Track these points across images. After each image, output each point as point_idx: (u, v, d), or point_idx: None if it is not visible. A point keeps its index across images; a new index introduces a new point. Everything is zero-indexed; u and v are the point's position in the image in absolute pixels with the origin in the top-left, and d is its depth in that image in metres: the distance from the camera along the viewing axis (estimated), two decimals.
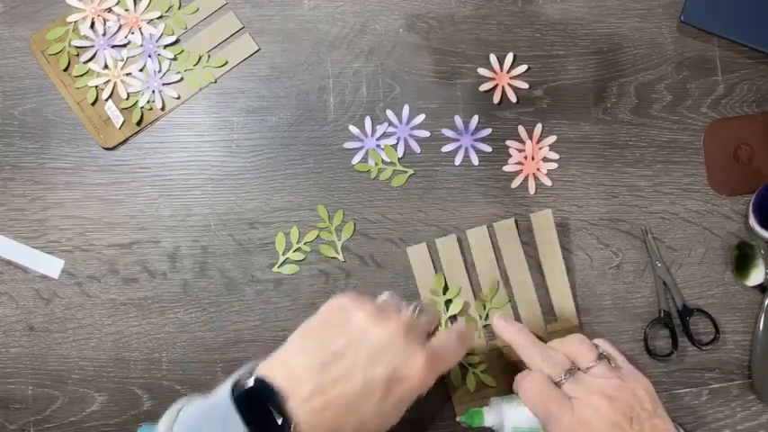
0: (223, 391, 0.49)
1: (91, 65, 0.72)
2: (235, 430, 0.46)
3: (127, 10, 0.72)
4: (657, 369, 0.69)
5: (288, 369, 0.50)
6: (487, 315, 0.68)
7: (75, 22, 0.72)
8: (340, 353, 0.51)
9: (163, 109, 0.72)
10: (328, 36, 0.73)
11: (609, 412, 0.53)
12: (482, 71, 0.72)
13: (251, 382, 0.49)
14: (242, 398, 0.48)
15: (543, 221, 0.68)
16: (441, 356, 0.54)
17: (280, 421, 0.47)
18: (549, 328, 0.68)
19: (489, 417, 0.63)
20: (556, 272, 0.68)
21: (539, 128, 0.71)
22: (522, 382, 0.57)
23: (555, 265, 0.68)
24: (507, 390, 0.67)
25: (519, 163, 0.71)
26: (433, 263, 0.69)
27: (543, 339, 0.68)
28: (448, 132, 0.71)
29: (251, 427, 0.46)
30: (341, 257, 0.70)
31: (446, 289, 0.69)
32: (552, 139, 0.71)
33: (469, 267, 0.69)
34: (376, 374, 0.50)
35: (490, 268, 0.69)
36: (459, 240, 0.69)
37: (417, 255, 0.69)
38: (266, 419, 0.47)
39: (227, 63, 0.72)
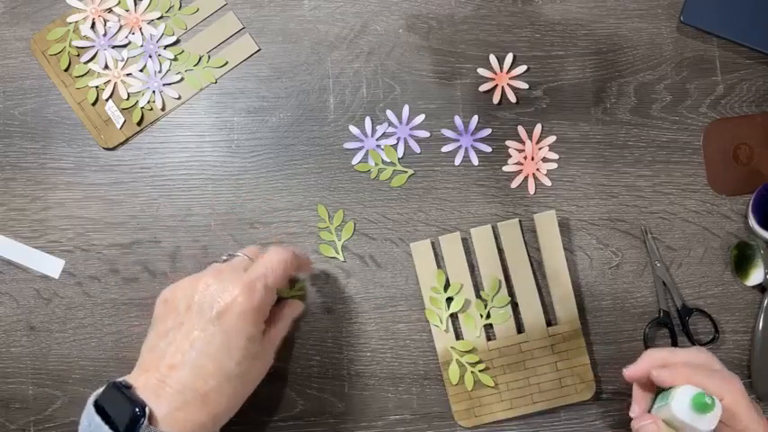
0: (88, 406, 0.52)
1: (91, 65, 0.72)
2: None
3: (127, 10, 0.72)
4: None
5: (138, 366, 0.55)
6: (488, 314, 0.68)
7: (76, 22, 0.72)
8: (165, 333, 0.55)
9: (163, 109, 0.72)
10: (328, 36, 0.73)
11: None
12: (482, 71, 0.72)
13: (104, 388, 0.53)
14: (98, 402, 0.52)
15: (547, 222, 0.69)
16: (258, 273, 0.56)
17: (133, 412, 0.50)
18: (551, 330, 0.68)
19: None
20: (558, 273, 0.68)
21: (538, 128, 0.71)
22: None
23: (557, 267, 0.68)
24: (506, 390, 0.67)
25: (519, 163, 0.71)
26: (436, 260, 0.69)
27: (544, 340, 0.68)
28: (448, 132, 0.71)
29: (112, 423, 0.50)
30: (341, 257, 0.70)
31: (447, 286, 0.69)
32: (552, 139, 0.71)
33: (472, 265, 0.69)
34: (197, 327, 0.53)
35: (492, 267, 0.69)
36: (463, 239, 0.69)
37: (420, 251, 0.69)
38: (123, 412, 0.50)
39: (227, 63, 0.72)
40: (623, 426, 0.68)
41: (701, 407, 0.53)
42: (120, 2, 0.72)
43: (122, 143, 0.72)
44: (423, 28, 0.73)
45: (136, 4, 0.73)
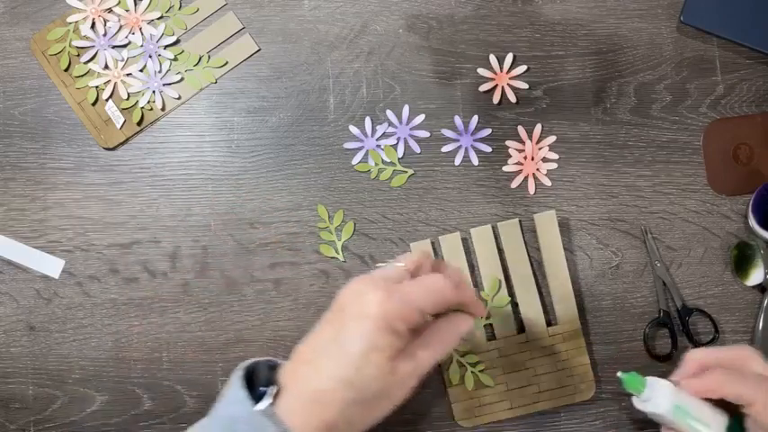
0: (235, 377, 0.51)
1: (91, 65, 0.72)
2: (235, 395, 0.49)
3: (127, 10, 0.72)
4: (657, 369, 0.69)
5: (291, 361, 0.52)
6: (488, 314, 0.68)
7: (76, 22, 0.72)
8: (323, 324, 0.52)
9: (163, 109, 0.72)
10: (328, 36, 0.73)
11: None
12: (482, 71, 0.72)
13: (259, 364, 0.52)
14: (244, 371, 0.51)
15: (547, 222, 0.69)
16: (404, 290, 0.50)
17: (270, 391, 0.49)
18: (551, 330, 0.68)
19: (649, 390, 0.57)
20: (558, 273, 0.68)
21: (538, 128, 0.71)
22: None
23: (557, 267, 0.68)
24: (506, 390, 0.68)
25: (519, 163, 0.71)
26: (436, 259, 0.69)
27: (544, 340, 0.68)
28: (448, 132, 0.71)
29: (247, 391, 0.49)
30: (341, 257, 0.70)
31: None
32: (552, 139, 0.71)
33: (472, 265, 0.69)
34: (341, 324, 0.50)
35: (493, 267, 0.69)
36: (463, 239, 0.69)
37: (420, 250, 0.69)
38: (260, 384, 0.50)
39: (227, 63, 0.72)
40: (623, 426, 0.69)
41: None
42: (120, 2, 0.72)
43: (122, 143, 0.72)
44: (423, 28, 0.73)
45: (136, 4, 0.73)
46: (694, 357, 0.58)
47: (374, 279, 0.51)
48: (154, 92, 0.72)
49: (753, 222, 0.68)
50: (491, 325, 0.68)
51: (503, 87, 0.72)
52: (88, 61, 0.72)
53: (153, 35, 0.72)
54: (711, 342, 0.69)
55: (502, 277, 0.69)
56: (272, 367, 0.52)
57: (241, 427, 0.47)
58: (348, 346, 0.48)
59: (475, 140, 0.71)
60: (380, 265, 0.57)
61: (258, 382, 0.51)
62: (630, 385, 0.57)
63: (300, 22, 0.73)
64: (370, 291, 0.49)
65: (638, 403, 0.58)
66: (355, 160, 0.71)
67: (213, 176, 0.71)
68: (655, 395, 0.57)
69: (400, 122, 0.72)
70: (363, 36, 0.73)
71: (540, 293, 0.69)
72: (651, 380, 0.58)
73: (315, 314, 0.69)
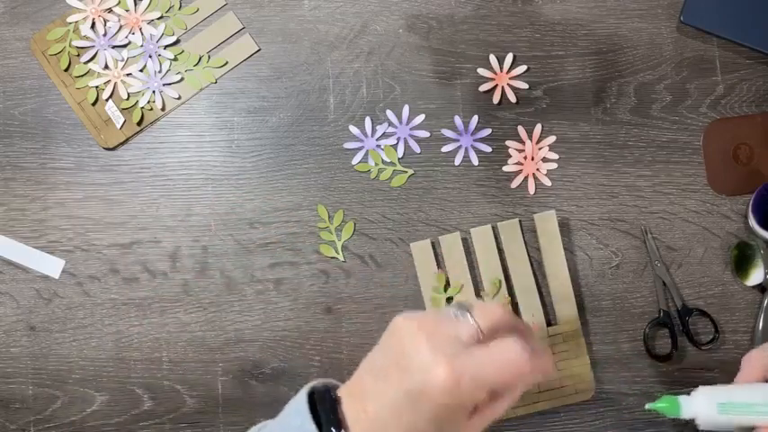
0: (298, 402, 0.48)
1: (91, 65, 0.72)
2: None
3: (127, 10, 0.72)
4: (657, 369, 0.69)
5: (350, 386, 0.48)
6: None
7: (76, 22, 0.72)
8: (379, 370, 0.47)
9: (163, 109, 0.72)
10: (328, 36, 0.73)
11: None
12: (482, 71, 0.72)
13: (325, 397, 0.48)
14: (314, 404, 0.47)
15: (547, 222, 0.69)
16: (475, 367, 0.44)
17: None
18: (551, 330, 0.68)
19: (687, 406, 0.54)
20: (558, 273, 0.68)
21: (538, 128, 0.71)
22: None
23: (557, 267, 0.68)
24: None
25: (519, 163, 0.71)
26: (436, 260, 0.69)
27: (544, 340, 0.68)
28: (448, 132, 0.71)
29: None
30: (341, 257, 0.70)
31: (447, 286, 0.69)
32: (552, 139, 0.71)
33: (472, 265, 0.69)
34: (398, 389, 0.45)
35: (493, 267, 0.69)
36: (463, 239, 0.69)
37: (420, 251, 0.69)
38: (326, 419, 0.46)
39: (227, 63, 0.72)
40: (623, 426, 0.69)
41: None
42: (120, 2, 0.72)
43: (122, 143, 0.72)
44: (423, 28, 0.73)
45: (136, 4, 0.73)
46: (753, 363, 0.55)
47: (440, 339, 0.45)
48: (154, 92, 0.72)
49: (753, 222, 0.68)
50: None
51: (503, 87, 0.72)
52: (88, 61, 0.72)
53: (153, 35, 0.72)
54: (712, 342, 0.69)
55: (502, 277, 0.69)
56: (331, 397, 0.48)
57: None
58: (411, 422, 0.45)
59: (475, 140, 0.71)
60: (454, 312, 0.47)
61: (321, 406, 0.47)
62: (668, 411, 0.54)
63: (300, 22, 0.73)
64: (439, 365, 0.43)
65: (699, 423, 0.54)
66: (355, 160, 0.71)
67: (213, 176, 0.71)
68: (695, 408, 0.53)
69: (400, 122, 0.72)
70: (363, 36, 0.73)
71: (540, 293, 0.69)
72: (683, 398, 0.54)
73: (315, 314, 0.69)
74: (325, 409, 0.47)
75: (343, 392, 0.48)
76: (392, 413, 0.45)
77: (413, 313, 0.47)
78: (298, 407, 0.47)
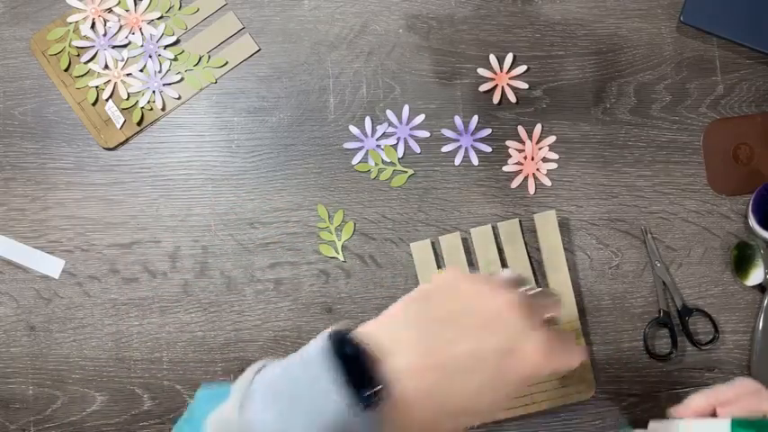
0: (314, 349, 0.42)
1: (91, 65, 0.72)
2: (326, 391, 0.40)
3: (127, 10, 0.72)
4: (657, 369, 0.69)
5: (389, 331, 0.44)
6: None
7: (76, 22, 0.72)
8: (448, 318, 0.45)
9: (163, 109, 0.72)
10: (328, 36, 0.73)
11: None
12: (482, 71, 0.72)
13: (348, 341, 0.43)
14: (336, 357, 0.41)
15: (547, 222, 0.69)
16: (557, 348, 0.45)
17: (375, 387, 0.41)
18: None
19: None
20: (558, 273, 0.68)
21: (538, 128, 0.71)
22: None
23: (557, 267, 0.68)
24: None
25: (519, 163, 0.71)
26: (436, 260, 0.69)
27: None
28: (448, 132, 0.71)
29: (346, 388, 0.40)
30: (341, 257, 0.70)
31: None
32: (552, 139, 0.71)
33: (472, 265, 0.69)
34: (489, 344, 0.43)
35: (492, 267, 0.69)
36: (463, 239, 0.69)
37: (420, 250, 0.69)
38: (363, 381, 0.41)
39: (227, 63, 0.72)
40: (623, 426, 0.68)
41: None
42: (120, 2, 0.72)
43: (122, 143, 0.72)
44: (423, 28, 0.73)
45: (136, 4, 0.73)
46: (700, 404, 0.55)
47: (533, 315, 0.44)
48: (154, 92, 0.72)
49: (753, 222, 0.68)
50: None
51: (503, 87, 0.72)
52: (88, 61, 0.72)
53: (153, 35, 0.72)
54: (712, 342, 0.69)
55: None
56: (362, 352, 0.42)
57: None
58: (491, 383, 0.44)
59: (475, 140, 0.71)
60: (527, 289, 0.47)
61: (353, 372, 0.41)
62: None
63: (300, 22, 0.73)
64: (537, 339, 0.43)
65: None
66: (355, 160, 0.71)
67: (213, 176, 0.71)
68: None
69: (400, 122, 0.72)
70: (363, 36, 0.73)
71: None
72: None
73: (315, 314, 0.69)
74: (352, 359, 0.41)
75: (374, 340, 0.43)
76: (471, 364, 0.43)
77: (469, 275, 0.47)
78: (314, 355, 0.42)
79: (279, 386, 0.42)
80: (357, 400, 0.40)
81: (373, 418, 0.40)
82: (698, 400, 0.55)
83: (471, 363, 0.43)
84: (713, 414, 0.55)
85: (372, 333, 0.44)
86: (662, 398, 0.68)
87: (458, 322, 0.44)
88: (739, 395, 0.54)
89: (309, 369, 0.42)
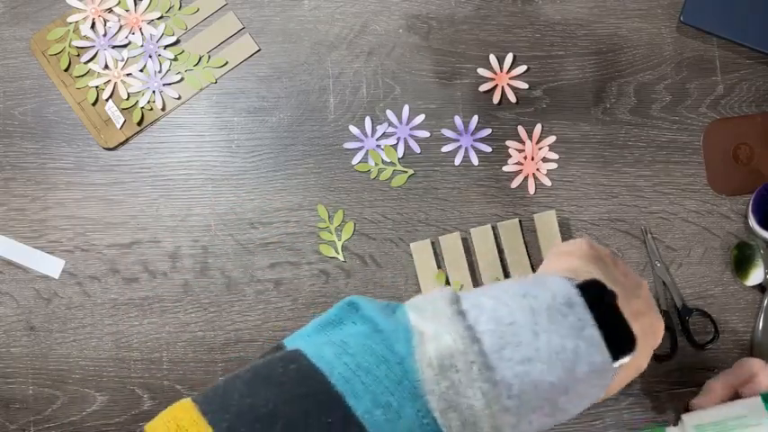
0: (574, 295, 0.41)
1: (91, 65, 0.72)
2: (590, 337, 0.40)
3: (127, 10, 0.73)
4: (657, 369, 0.69)
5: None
6: None
7: (76, 22, 0.72)
8: (631, 285, 0.50)
9: (163, 109, 0.72)
10: (328, 36, 0.73)
11: None
12: (482, 71, 0.72)
13: (606, 293, 0.42)
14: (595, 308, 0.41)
15: (547, 222, 0.69)
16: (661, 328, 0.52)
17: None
18: None
19: None
20: None
21: (538, 128, 0.71)
22: None
23: None
24: None
25: (519, 163, 0.71)
26: (436, 259, 0.69)
27: None
28: (448, 132, 0.72)
29: (606, 343, 0.40)
30: (341, 257, 0.70)
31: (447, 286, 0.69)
32: (552, 139, 0.71)
33: (472, 265, 0.69)
34: (656, 318, 0.51)
35: (493, 267, 0.69)
36: (463, 239, 0.69)
37: (420, 250, 0.69)
38: (619, 336, 0.41)
39: (227, 63, 0.72)
40: (623, 426, 0.68)
41: None
42: (120, 2, 0.72)
43: (122, 143, 0.72)
44: (423, 28, 0.73)
45: (136, 4, 0.73)
46: (718, 394, 0.58)
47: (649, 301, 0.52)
48: (154, 92, 0.72)
49: (753, 222, 0.68)
50: None
51: (503, 87, 0.72)
52: (88, 61, 0.72)
53: (153, 35, 0.72)
54: (712, 342, 0.69)
55: (502, 277, 0.69)
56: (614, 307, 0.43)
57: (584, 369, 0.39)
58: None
59: (475, 140, 0.71)
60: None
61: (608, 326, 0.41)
62: None
63: (300, 22, 0.73)
64: (661, 320, 0.52)
65: None
66: (355, 160, 0.71)
67: (213, 176, 0.71)
68: None
69: (400, 122, 0.72)
70: (363, 36, 0.73)
71: None
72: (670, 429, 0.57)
73: (315, 314, 0.69)
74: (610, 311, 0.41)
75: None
76: (644, 333, 0.48)
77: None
78: (579, 302, 0.40)
79: (514, 317, 0.39)
80: (616, 353, 0.40)
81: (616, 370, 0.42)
82: (717, 388, 0.58)
83: (649, 331, 0.49)
84: (736, 396, 0.57)
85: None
86: (662, 398, 0.68)
87: (640, 293, 0.51)
88: (752, 374, 0.57)
89: (575, 312, 0.40)
